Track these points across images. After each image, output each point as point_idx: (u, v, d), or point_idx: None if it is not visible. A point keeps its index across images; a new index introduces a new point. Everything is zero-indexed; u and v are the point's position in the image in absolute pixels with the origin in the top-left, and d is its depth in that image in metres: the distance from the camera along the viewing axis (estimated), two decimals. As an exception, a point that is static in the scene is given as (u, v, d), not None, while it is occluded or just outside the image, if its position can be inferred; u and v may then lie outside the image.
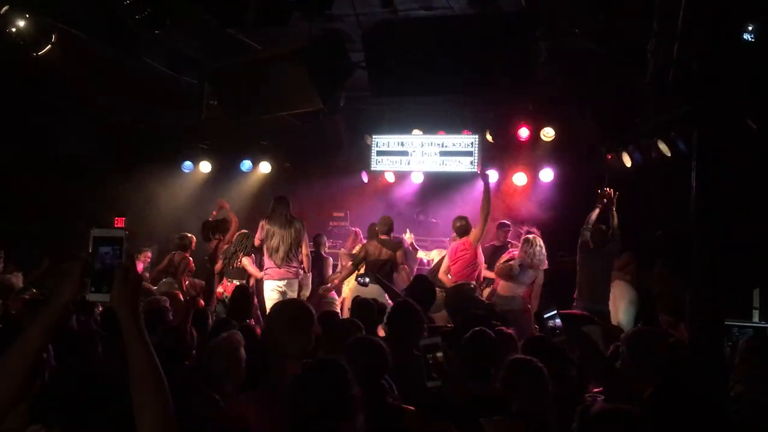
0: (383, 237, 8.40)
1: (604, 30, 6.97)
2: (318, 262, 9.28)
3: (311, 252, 8.80)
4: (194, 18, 6.85)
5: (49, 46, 7.04)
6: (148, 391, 1.61)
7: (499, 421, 3.02)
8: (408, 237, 9.48)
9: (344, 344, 3.33)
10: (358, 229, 9.65)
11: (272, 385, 2.68)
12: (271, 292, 7.94)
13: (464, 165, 10.26)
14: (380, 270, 8.06)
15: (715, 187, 4.12)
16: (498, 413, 3.09)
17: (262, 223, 8.09)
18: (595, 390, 3.82)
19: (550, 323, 3.65)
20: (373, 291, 7.44)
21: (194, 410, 3.03)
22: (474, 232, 8.09)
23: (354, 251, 9.02)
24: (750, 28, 5.45)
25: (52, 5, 6.86)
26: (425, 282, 6.16)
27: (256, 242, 8.26)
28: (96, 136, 10.61)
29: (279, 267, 7.96)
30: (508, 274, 7.99)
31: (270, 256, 7.97)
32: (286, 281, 7.97)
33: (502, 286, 8.09)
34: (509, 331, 5.25)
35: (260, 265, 8.51)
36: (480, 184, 10.71)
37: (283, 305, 3.25)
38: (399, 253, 8.26)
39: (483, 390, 3.45)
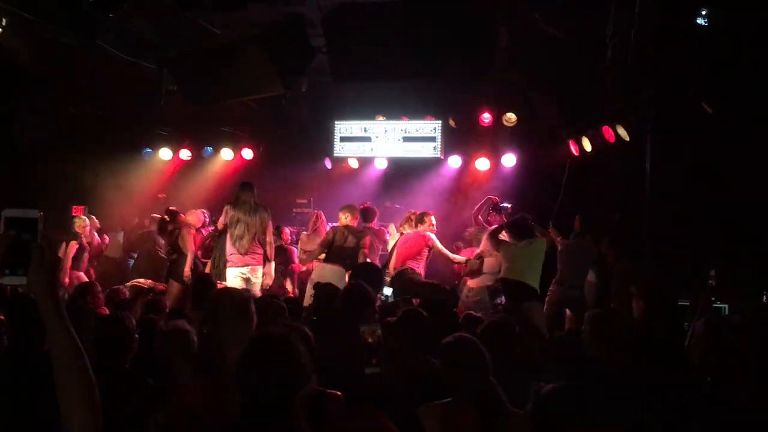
0: (349, 225, 8.34)
1: (564, 15, 7.03)
2: (282, 254, 9.21)
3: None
4: (152, 1, 6.73)
5: (0, 30, 6.86)
6: (70, 377, 1.57)
7: (443, 405, 2.97)
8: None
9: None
10: (320, 211, 9.59)
11: (216, 373, 2.62)
12: (235, 279, 7.82)
13: (427, 150, 10.30)
14: (345, 257, 8.06)
15: (670, 169, 4.19)
16: (440, 390, 3.05)
17: (226, 208, 7.88)
18: None
19: (496, 300, 3.69)
20: (335, 277, 7.44)
21: (138, 399, 2.98)
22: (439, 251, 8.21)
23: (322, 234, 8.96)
24: (703, 12, 5.54)
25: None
26: (371, 267, 6.31)
27: (219, 226, 8.09)
28: (55, 123, 10.36)
29: (243, 255, 7.86)
30: (473, 271, 8.22)
31: (234, 243, 7.81)
32: (250, 267, 7.88)
33: (472, 281, 8.29)
34: (477, 314, 5.42)
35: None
36: (445, 170, 10.84)
37: (224, 293, 3.20)
38: (366, 240, 8.23)
39: (423, 365, 3.43)
